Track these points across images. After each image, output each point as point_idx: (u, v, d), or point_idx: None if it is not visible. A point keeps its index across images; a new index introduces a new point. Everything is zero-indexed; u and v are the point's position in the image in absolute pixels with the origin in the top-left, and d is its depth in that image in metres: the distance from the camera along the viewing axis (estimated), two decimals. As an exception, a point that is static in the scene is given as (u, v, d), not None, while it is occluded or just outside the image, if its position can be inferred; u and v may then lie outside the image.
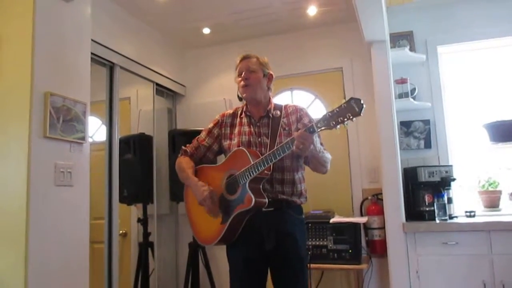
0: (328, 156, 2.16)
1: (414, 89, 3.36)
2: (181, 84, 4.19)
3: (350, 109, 1.75)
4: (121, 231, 3.53)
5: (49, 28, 2.11)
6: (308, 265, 2.98)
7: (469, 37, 3.36)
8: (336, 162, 3.55)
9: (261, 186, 2.01)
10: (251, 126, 2.17)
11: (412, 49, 3.41)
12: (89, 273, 2.21)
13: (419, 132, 3.37)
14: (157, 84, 3.82)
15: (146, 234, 3.53)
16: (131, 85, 3.75)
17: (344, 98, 3.65)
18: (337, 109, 1.78)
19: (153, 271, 3.57)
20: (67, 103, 2.12)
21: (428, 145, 3.35)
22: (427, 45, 3.46)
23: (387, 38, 3.10)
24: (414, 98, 3.30)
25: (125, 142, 3.48)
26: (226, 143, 2.21)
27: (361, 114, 1.75)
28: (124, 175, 3.20)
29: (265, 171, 1.97)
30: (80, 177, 2.20)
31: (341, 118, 1.77)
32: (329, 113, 1.80)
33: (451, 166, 3.11)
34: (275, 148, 1.94)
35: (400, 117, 3.34)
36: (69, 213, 2.12)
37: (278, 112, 2.19)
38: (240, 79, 2.19)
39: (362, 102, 1.74)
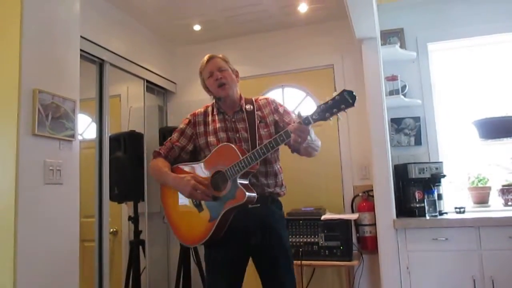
0: (319, 142, 2.15)
1: (405, 86, 3.38)
2: (171, 81, 4.17)
3: (343, 100, 1.76)
4: (111, 229, 3.50)
5: (38, 24, 2.08)
6: (300, 261, 3.02)
7: (459, 35, 3.37)
8: (327, 159, 3.60)
9: (248, 182, 2.01)
10: (226, 122, 2.16)
11: (402, 46, 3.42)
12: (79, 272, 2.19)
13: (409, 129, 3.39)
14: (148, 81, 3.79)
15: (137, 232, 3.51)
16: (121, 82, 3.73)
17: (335, 90, 3.69)
18: (331, 101, 1.79)
19: (144, 269, 3.54)
20: (56, 100, 2.10)
21: (418, 142, 3.37)
22: (417, 42, 3.47)
23: (378, 35, 3.11)
24: (404, 95, 3.31)
25: (116, 140, 3.45)
26: (202, 141, 2.17)
27: (355, 105, 1.76)
28: (114, 173, 3.18)
29: (256, 165, 1.97)
30: (70, 175, 2.18)
31: (335, 110, 1.77)
32: (323, 105, 1.80)
33: (441, 162, 3.13)
34: (268, 140, 1.92)
35: (391, 114, 3.35)
36: (58, 211, 2.10)
37: (251, 106, 2.19)
38: (213, 79, 2.15)
39: (354, 93, 1.76)
